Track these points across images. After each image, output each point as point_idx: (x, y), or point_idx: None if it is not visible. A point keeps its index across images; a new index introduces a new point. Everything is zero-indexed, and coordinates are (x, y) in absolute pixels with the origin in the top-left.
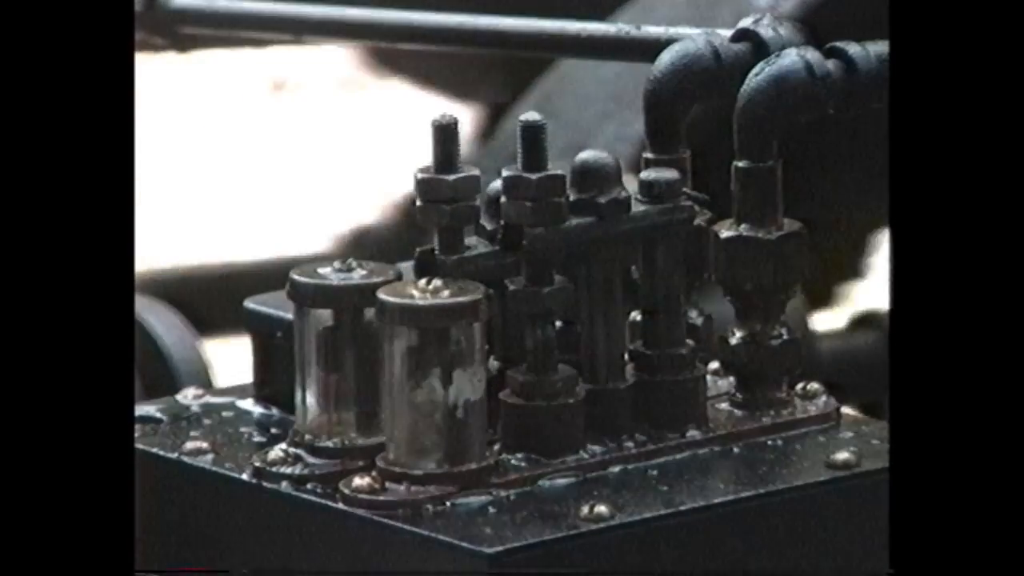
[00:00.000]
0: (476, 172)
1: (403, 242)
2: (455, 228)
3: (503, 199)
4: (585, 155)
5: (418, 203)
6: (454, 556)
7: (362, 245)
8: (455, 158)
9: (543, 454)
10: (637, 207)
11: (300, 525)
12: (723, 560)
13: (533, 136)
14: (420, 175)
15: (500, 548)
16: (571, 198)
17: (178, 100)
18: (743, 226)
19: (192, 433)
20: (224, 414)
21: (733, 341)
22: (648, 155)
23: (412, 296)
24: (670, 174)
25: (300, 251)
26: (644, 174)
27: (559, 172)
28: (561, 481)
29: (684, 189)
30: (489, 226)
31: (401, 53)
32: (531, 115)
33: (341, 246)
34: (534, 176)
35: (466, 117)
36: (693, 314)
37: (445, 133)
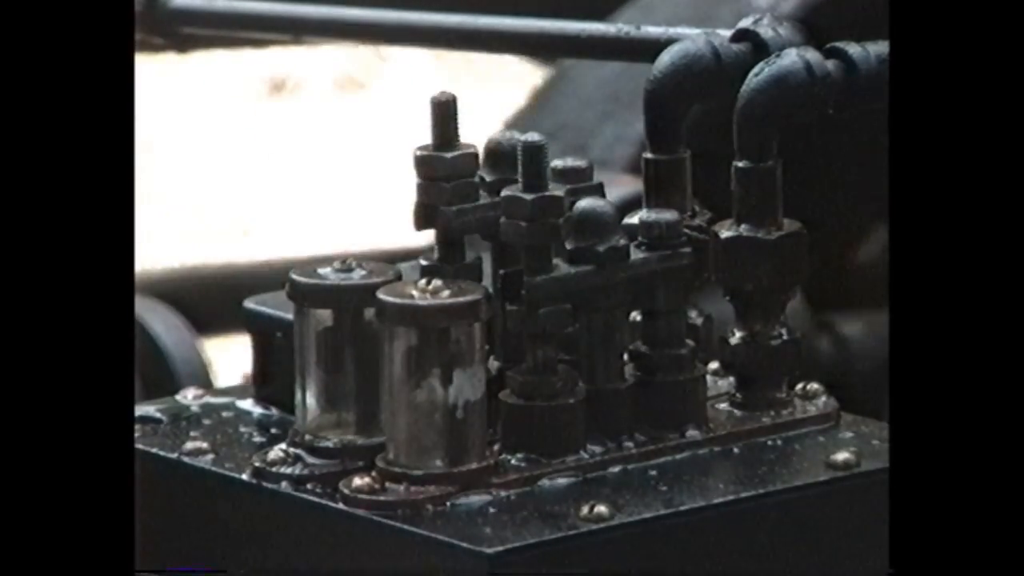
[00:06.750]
0: (474, 150)
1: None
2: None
3: (502, 219)
4: (583, 204)
5: (417, 181)
6: (454, 556)
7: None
8: (454, 136)
9: (543, 454)
10: (636, 253)
11: (300, 525)
12: (723, 560)
13: (532, 156)
14: (419, 153)
15: (500, 548)
16: (569, 247)
17: (178, 100)
18: (743, 226)
19: (192, 433)
20: (224, 414)
21: (733, 341)
22: (648, 155)
23: (412, 296)
24: (669, 215)
25: (300, 251)
26: (644, 215)
27: (556, 193)
28: (561, 481)
29: (685, 226)
30: (488, 177)
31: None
32: (532, 135)
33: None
34: (530, 196)
35: None
36: (693, 314)
37: (444, 110)
